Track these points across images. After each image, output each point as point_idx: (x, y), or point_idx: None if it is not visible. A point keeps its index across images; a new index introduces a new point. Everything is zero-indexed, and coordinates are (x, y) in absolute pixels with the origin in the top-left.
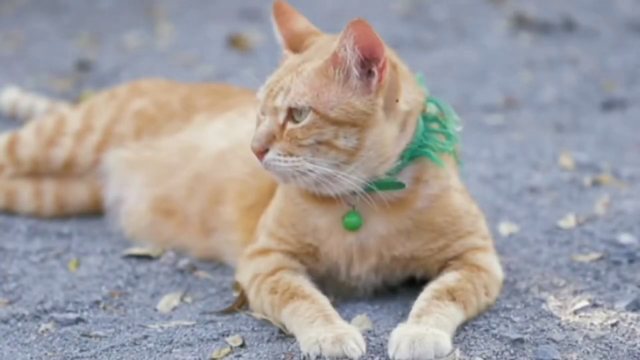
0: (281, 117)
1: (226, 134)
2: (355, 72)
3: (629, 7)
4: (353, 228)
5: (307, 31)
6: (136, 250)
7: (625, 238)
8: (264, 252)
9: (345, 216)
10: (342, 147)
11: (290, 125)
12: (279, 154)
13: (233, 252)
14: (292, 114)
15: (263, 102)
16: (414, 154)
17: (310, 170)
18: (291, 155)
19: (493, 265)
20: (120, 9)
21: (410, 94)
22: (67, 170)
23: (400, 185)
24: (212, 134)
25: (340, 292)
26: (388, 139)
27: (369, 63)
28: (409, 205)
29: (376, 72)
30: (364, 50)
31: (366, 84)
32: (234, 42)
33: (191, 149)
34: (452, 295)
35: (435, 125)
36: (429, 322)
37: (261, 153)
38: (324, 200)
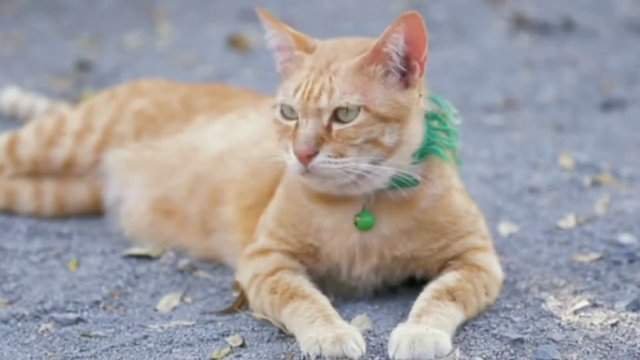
0: (326, 118)
1: (226, 135)
2: (398, 66)
3: (629, 7)
4: (367, 227)
5: (302, 34)
6: (136, 250)
7: (625, 238)
8: (264, 252)
9: (358, 216)
10: (386, 144)
11: (337, 126)
12: (330, 156)
13: (233, 252)
14: (337, 114)
15: (301, 105)
16: (423, 152)
17: (354, 169)
18: (342, 156)
19: (493, 265)
20: (120, 9)
21: (423, 90)
22: (67, 170)
23: (416, 183)
24: (212, 135)
25: (340, 292)
26: (418, 134)
27: (411, 57)
28: (414, 205)
29: (418, 66)
30: (411, 44)
31: (406, 77)
32: (234, 43)
33: (191, 149)
34: (452, 295)
35: (435, 123)
36: (429, 322)
37: (309, 157)
38: (331, 201)
